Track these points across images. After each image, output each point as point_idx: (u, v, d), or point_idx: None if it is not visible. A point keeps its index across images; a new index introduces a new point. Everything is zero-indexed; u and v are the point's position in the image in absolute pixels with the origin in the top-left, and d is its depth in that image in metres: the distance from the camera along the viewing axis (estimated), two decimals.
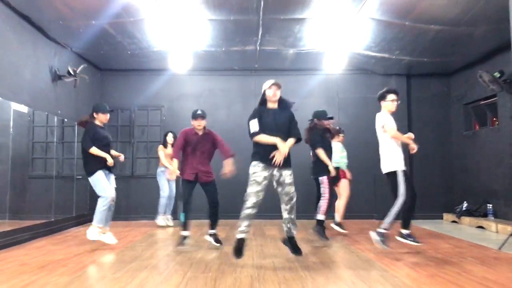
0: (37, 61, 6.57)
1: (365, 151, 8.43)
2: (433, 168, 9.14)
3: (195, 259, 4.83)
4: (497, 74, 7.02)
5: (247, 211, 4.51)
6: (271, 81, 4.72)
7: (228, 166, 5.53)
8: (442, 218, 8.82)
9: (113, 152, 5.91)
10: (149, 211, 8.64)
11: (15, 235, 5.87)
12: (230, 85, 9.25)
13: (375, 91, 8.99)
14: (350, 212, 7.86)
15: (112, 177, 5.84)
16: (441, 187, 9.13)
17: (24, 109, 6.28)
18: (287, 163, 4.59)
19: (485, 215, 7.76)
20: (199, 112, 5.59)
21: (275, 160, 4.44)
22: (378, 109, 5.54)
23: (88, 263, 4.64)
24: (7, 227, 5.88)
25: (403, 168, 5.18)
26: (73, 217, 7.73)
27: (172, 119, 9.11)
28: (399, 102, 5.39)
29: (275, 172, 4.55)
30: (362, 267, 4.41)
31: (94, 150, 5.51)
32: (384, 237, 4.98)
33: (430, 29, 6.42)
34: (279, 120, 4.66)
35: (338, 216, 6.78)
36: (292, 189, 4.59)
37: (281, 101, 4.80)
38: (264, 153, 4.50)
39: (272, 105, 4.76)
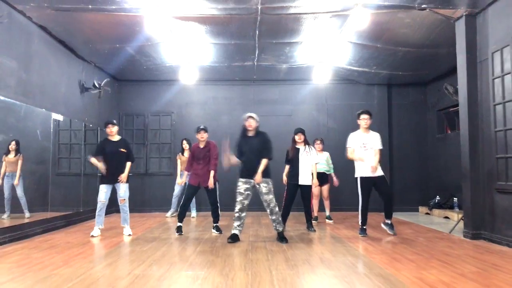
0: (69, 77, 7.84)
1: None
2: (410, 167, 10.35)
3: (203, 239, 6.10)
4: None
5: (236, 214, 5.88)
6: (248, 114, 5.93)
7: (210, 179, 6.55)
8: (418, 211, 10.02)
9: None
10: (161, 204, 9.90)
11: (55, 222, 7.14)
12: (232, 94, 10.47)
13: (360, 98, 10.43)
14: (341, 205, 9.19)
15: (121, 186, 6.52)
16: (417, 184, 10.34)
17: (60, 117, 7.54)
18: (262, 175, 5.80)
19: (451, 207, 8.97)
20: (201, 126, 6.68)
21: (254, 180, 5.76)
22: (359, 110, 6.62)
23: (118, 242, 5.90)
24: (48, 215, 7.15)
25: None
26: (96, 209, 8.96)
27: (181, 124, 10.35)
28: (370, 120, 6.42)
29: (256, 184, 5.79)
30: (333, 244, 5.66)
31: (92, 160, 6.51)
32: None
33: (399, 50, 7.64)
34: (254, 145, 5.85)
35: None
36: (268, 197, 5.77)
37: (257, 130, 5.96)
38: (244, 170, 5.86)
39: (250, 133, 5.95)
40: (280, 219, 5.96)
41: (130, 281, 3.76)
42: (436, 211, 9.19)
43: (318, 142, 8.13)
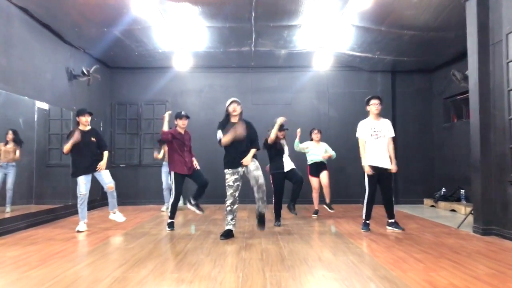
0: (56, 63, 7.42)
1: (352, 142, 9.22)
2: (415, 158, 9.94)
3: (194, 235, 5.72)
4: (467, 73, 7.74)
5: (227, 208, 5.46)
6: (232, 99, 5.56)
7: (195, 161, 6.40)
8: (423, 203, 9.63)
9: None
10: (155, 196, 9.54)
11: (40, 216, 6.77)
12: (229, 82, 10.04)
13: (363, 86, 9.99)
14: (342, 197, 8.78)
15: (103, 173, 6.25)
16: (422, 175, 9.94)
17: (45, 106, 7.14)
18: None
19: (458, 199, 8.57)
20: (183, 113, 6.39)
21: (243, 162, 5.38)
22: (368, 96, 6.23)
23: (104, 238, 5.53)
24: (33, 209, 6.79)
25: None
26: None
27: (176, 113, 9.92)
28: (380, 106, 6.00)
29: (243, 169, 5.43)
30: (333, 241, 5.28)
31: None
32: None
33: (404, 33, 7.18)
34: (236, 143, 5.38)
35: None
36: (257, 172, 5.37)
37: (240, 116, 5.58)
38: (229, 160, 5.42)
39: (233, 119, 5.54)
40: (265, 198, 5.45)
41: (108, 284, 3.38)
42: (442, 204, 8.80)
43: (316, 131, 7.75)
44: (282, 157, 6.70)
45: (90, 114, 6.36)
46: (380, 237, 5.50)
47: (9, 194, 6.58)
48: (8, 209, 6.38)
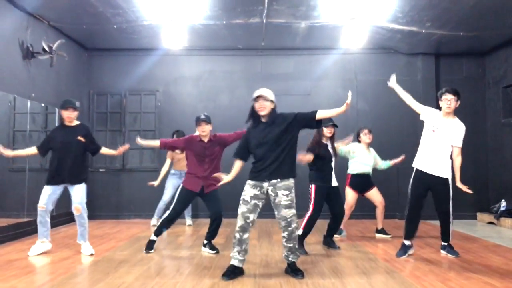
0: (2, 34, 5.57)
1: (386, 141, 7.40)
2: (465, 161, 7.79)
3: (184, 274, 3.82)
4: None
5: (236, 234, 3.82)
6: (257, 93, 3.88)
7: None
8: (475, 218, 7.72)
9: None
10: (142, 209, 7.71)
11: None
12: (234, 66, 8.20)
13: (400, 72, 7.96)
14: (369, 212, 6.80)
15: (75, 188, 4.76)
16: (474, 183, 7.83)
17: None
18: (283, 174, 3.79)
19: None
20: (202, 117, 4.82)
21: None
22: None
23: (65, 272, 3.64)
24: None
25: None
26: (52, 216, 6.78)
27: (168, 105, 8.10)
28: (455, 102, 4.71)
29: (271, 190, 3.79)
30: (382, 281, 3.37)
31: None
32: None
33: None
34: (269, 136, 3.82)
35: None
36: (289, 212, 3.77)
37: (272, 113, 3.91)
38: (254, 170, 3.87)
39: (263, 118, 3.91)
40: (296, 247, 3.87)
41: None
42: (507, 221, 6.87)
43: (366, 131, 5.96)
44: (330, 165, 5.03)
45: (75, 108, 4.85)
46: (464, 283, 3.57)
47: None
48: None
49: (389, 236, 5.85)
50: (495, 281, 3.64)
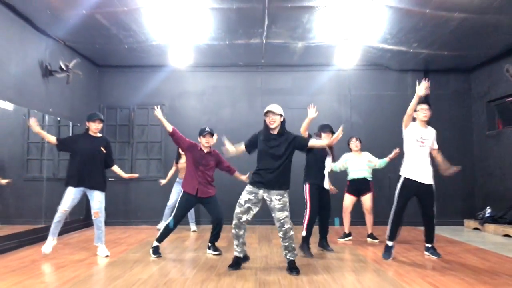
0: (25, 55, 6.08)
1: (379, 151, 7.85)
2: None
3: (191, 274, 4.30)
4: None
5: (233, 231, 4.44)
6: (267, 109, 4.43)
7: (242, 176, 5.63)
8: (463, 225, 8.18)
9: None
10: (150, 215, 8.17)
11: (9, 241, 5.44)
12: (235, 82, 8.70)
13: (391, 88, 8.61)
14: (362, 218, 7.27)
15: (95, 194, 5.21)
16: (461, 191, 8.49)
17: (9, 106, 5.80)
18: (277, 184, 4.31)
19: (511, 222, 7.12)
20: (207, 129, 5.33)
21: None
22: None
23: (72, 278, 4.11)
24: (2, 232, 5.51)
25: None
26: (66, 222, 7.22)
27: (173, 118, 8.49)
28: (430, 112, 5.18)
29: (266, 196, 4.34)
30: (378, 284, 3.84)
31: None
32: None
33: (454, 17, 5.80)
34: (276, 149, 4.37)
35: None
36: (282, 214, 4.29)
37: (281, 128, 4.46)
38: (256, 178, 4.38)
39: (273, 131, 4.45)
40: (294, 245, 4.37)
41: None
42: (490, 227, 7.33)
43: (354, 139, 6.51)
44: (322, 164, 5.48)
45: (102, 120, 5.40)
46: (442, 279, 4.05)
47: None
48: None
49: (377, 240, 6.30)
50: (469, 277, 4.11)
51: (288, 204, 4.34)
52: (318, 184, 5.40)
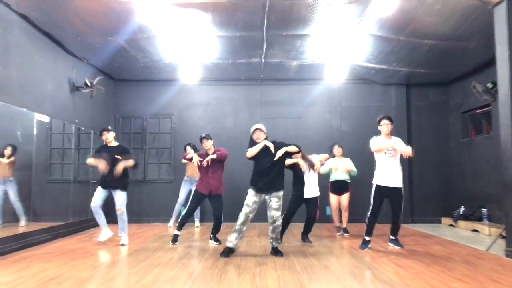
0: (57, 74, 7.07)
1: (366, 158, 8.79)
2: (432, 174, 9.48)
3: (203, 257, 5.27)
4: (490, 85, 7.31)
5: (237, 226, 5.34)
6: (255, 127, 5.42)
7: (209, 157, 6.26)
8: (440, 222, 9.14)
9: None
10: (161, 214, 9.12)
11: (37, 236, 6.34)
12: (237, 95, 9.68)
13: (376, 99, 9.61)
14: (354, 216, 8.23)
15: (118, 194, 6.27)
16: (439, 193, 9.46)
17: (45, 118, 6.77)
18: (276, 187, 5.34)
19: (480, 219, 8.08)
20: (203, 135, 6.35)
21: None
22: (379, 116, 6.08)
23: (105, 261, 5.08)
24: (30, 228, 6.39)
25: None
26: (88, 219, 8.18)
27: (182, 127, 9.56)
28: (391, 126, 6.00)
29: (266, 197, 5.35)
30: (356, 267, 4.81)
31: (89, 161, 6.31)
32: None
33: (424, 43, 6.81)
34: (268, 157, 5.33)
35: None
36: (276, 213, 5.32)
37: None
38: (256, 182, 5.36)
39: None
40: (278, 237, 5.49)
41: None
42: (462, 223, 8.31)
43: (337, 146, 7.42)
44: (302, 180, 6.42)
45: (108, 130, 6.43)
46: (406, 262, 5.02)
47: (17, 206, 6.51)
48: (23, 222, 6.43)
49: (348, 234, 7.21)
50: (428, 260, 5.07)
51: (281, 205, 5.37)
52: (300, 195, 6.39)
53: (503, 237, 5.74)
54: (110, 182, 6.20)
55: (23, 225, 6.46)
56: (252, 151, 5.33)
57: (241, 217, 5.31)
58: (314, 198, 6.52)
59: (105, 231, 6.32)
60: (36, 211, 6.94)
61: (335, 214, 7.41)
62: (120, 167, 6.12)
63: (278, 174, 5.36)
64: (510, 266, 4.79)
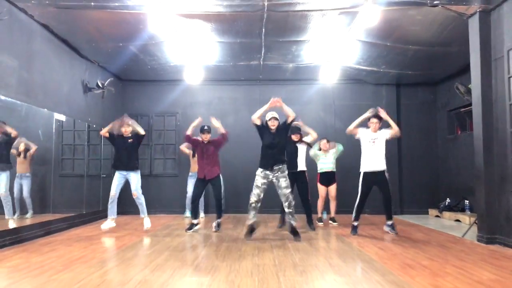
0: (72, 76, 7.70)
1: (357, 153, 9.45)
2: (420, 168, 10.13)
3: (207, 242, 5.93)
4: (471, 86, 7.94)
5: (252, 205, 6.09)
6: (272, 115, 6.24)
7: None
8: (428, 214, 9.79)
9: None
10: (166, 206, 9.77)
11: (57, 224, 7.00)
12: (237, 94, 10.30)
13: (368, 99, 10.24)
14: (346, 207, 8.86)
15: (132, 177, 7.10)
16: (427, 186, 10.11)
17: (63, 118, 7.41)
18: (282, 170, 6.04)
19: (462, 210, 8.73)
20: (206, 127, 7.10)
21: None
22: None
23: (120, 246, 5.74)
24: (50, 217, 7.03)
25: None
26: (99, 211, 8.82)
27: (186, 124, 10.02)
28: (379, 124, 6.68)
29: (274, 179, 6.01)
30: (342, 249, 5.47)
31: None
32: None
33: (409, 49, 7.43)
34: (276, 141, 6.11)
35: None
36: (287, 190, 6.01)
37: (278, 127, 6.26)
38: (265, 164, 6.06)
39: (272, 130, 6.21)
40: (294, 212, 6.11)
41: (132, 286, 3.59)
42: (446, 214, 8.96)
43: (324, 142, 8.05)
44: (296, 156, 7.22)
45: (128, 125, 7.19)
46: (388, 245, 5.68)
47: (28, 201, 6.95)
48: (29, 214, 6.77)
49: (336, 223, 7.80)
50: (408, 244, 5.72)
51: (290, 184, 6.11)
52: (293, 171, 7.02)
53: (477, 224, 6.37)
54: (124, 163, 7.02)
55: (28, 217, 6.84)
56: (258, 112, 6.24)
57: (253, 197, 6.02)
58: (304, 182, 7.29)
59: (110, 222, 6.97)
60: (54, 202, 7.57)
61: (320, 205, 8.02)
62: (130, 121, 7.08)
63: (281, 150, 6.08)
64: (478, 248, 5.45)
